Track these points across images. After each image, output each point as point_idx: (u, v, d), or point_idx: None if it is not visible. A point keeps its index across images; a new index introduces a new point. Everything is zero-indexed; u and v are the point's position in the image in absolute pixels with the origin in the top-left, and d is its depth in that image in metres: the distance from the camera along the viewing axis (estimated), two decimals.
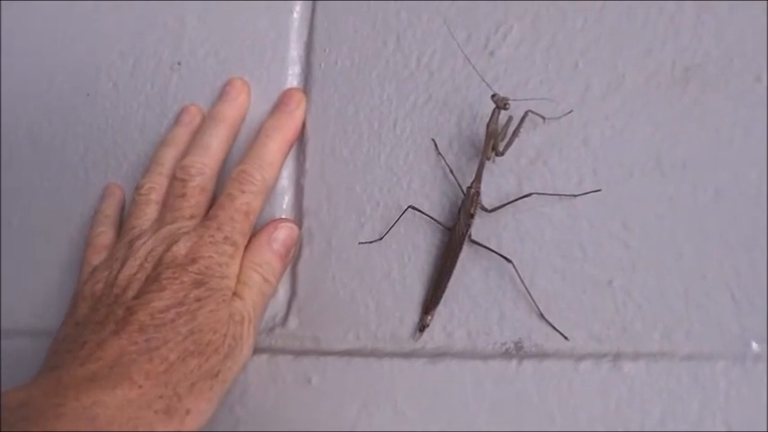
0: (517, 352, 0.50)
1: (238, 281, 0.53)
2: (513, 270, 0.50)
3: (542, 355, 0.49)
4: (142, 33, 0.66)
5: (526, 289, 0.49)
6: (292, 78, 0.60)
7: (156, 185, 0.57)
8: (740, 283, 0.46)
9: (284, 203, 0.58)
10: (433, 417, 0.50)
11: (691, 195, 0.48)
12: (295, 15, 0.62)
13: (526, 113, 0.51)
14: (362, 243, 0.55)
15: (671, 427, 0.45)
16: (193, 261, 0.50)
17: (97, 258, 0.56)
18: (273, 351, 0.55)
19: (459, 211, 0.52)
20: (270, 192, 0.57)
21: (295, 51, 0.61)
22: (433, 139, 0.55)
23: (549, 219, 0.51)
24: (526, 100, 0.51)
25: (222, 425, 0.53)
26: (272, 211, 0.58)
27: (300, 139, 0.59)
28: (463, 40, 0.55)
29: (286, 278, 0.57)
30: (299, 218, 0.58)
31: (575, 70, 0.52)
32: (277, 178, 0.58)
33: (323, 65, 0.60)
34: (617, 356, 0.48)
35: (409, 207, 0.54)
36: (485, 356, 0.50)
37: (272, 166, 0.56)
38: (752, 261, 0.46)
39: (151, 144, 0.63)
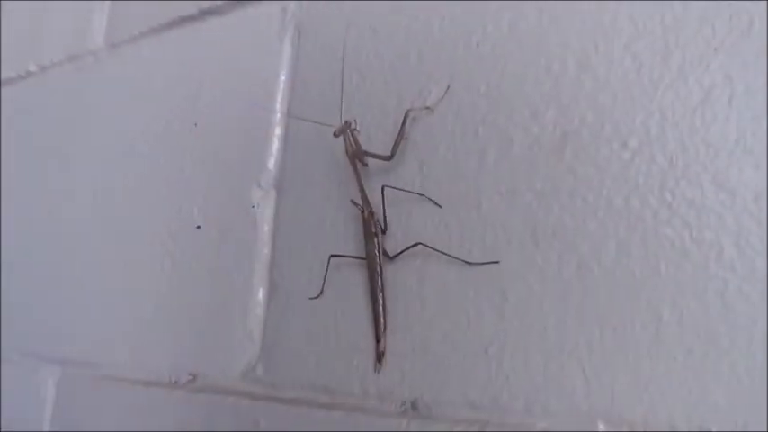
0: (413, 411, 0.65)
1: None
2: None
3: (428, 418, 0.63)
4: None
5: None
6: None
7: None
8: (591, 360, 0.56)
9: (264, 253, 0.78)
10: None
11: (557, 267, 0.58)
12: None
13: (407, 114, 0.62)
14: (312, 298, 0.73)
15: None
16: None
17: None
18: (239, 395, 0.76)
19: (364, 238, 0.64)
20: None
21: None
22: (352, 200, 0.67)
23: (444, 283, 0.64)
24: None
25: None
26: (251, 259, 0.79)
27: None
28: (395, 101, 0.70)
29: (259, 326, 0.77)
30: (270, 271, 0.77)
31: (475, 135, 0.65)
32: None
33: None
34: (485, 424, 0.60)
35: (331, 256, 0.66)
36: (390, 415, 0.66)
37: None
38: (602, 338, 0.56)
39: None
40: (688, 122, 0.52)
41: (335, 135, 0.62)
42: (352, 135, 0.63)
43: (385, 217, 0.63)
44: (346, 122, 0.63)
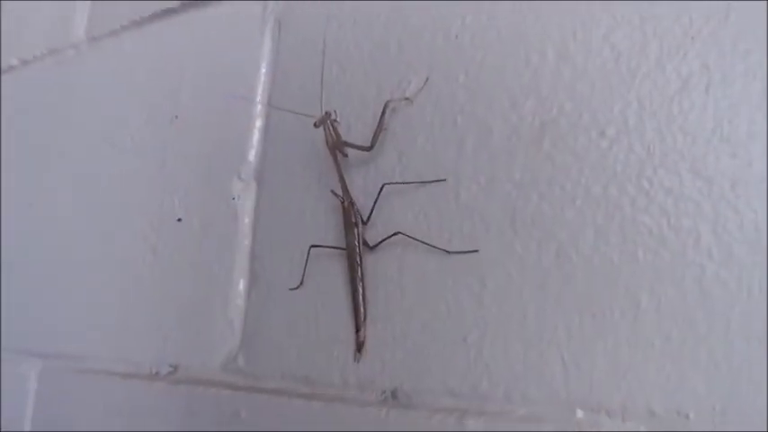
0: (393, 400, 0.64)
1: None
2: None
3: (408, 407, 0.63)
4: None
5: None
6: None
7: None
8: (570, 347, 0.55)
9: (245, 245, 0.78)
10: None
11: (536, 254, 0.57)
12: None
13: (386, 104, 0.62)
14: (292, 289, 0.72)
15: None
16: None
17: None
18: (220, 386, 0.75)
19: (344, 228, 0.64)
20: None
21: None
22: (332, 191, 0.67)
23: (423, 272, 0.64)
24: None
25: None
26: (232, 251, 0.78)
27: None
28: (375, 92, 0.70)
29: (240, 317, 0.76)
30: (251, 262, 0.77)
31: (454, 124, 0.64)
32: None
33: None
34: (464, 412, 0.60)
35: (311, 246, 0.66)
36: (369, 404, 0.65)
37: None
38: (581, 325, 0.56)
39: None
40: (665, 111, 0.52)
41: (316, 125, 0.62)
42: (332, 126, 0.63)
43: (372, 210, 0.63)
44: (326, 113, 0.63)
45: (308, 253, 0.65)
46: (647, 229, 0.52)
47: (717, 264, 0.49)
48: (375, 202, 0.62)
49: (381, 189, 0.62)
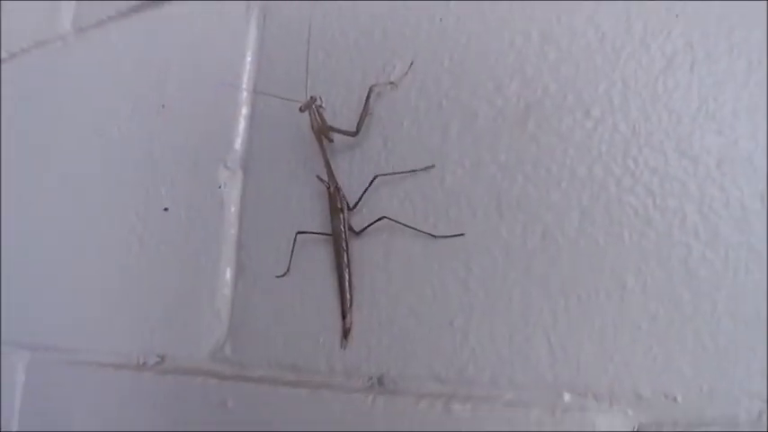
0: (380, 386, 0.63)
1: None
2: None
3: (394, 393, 0.62)
4: None
5: None
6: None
7: None
8: (556, 330, 0.54)
9: (231, 234, 0.76)
10: None
11: (521, 237, 0.56)
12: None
13: (371, 89, 0.61)
14: (278, 276, 0.71)
15: None
16: None
17: None
18: (207, 375, 0.74)
19: (330, 214, 0.63)
20: None
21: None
22: (318, 176, 0.66)
23: (409, 257, 0.63)
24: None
25: None
26: (219, 240, 0.77)
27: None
28: (360, 77, 0.69)
29: (227, 306, 0.75)
30: (237, 251, 0.76)
31: (439, 108, 0.63)
32: None
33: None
34: (451, 398, 0.59)
35: (297, 233, 0.65)
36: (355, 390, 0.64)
37: None
38: (567, 308, 0.55)
39: None
40: (650, 90, 0.51)
41: (301, 110, 0.61)
42: (317, 111, 0.62)
43: (361, 198, 0.62)
44: (311, 98, 0.62)
45: (295, 240, 0.64)
46: (632, 209, 0.51)
47: (703, 244, 0.48)
48: (365, 191, 0.62)
49: (373, 180, 0.61)
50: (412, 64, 0.60)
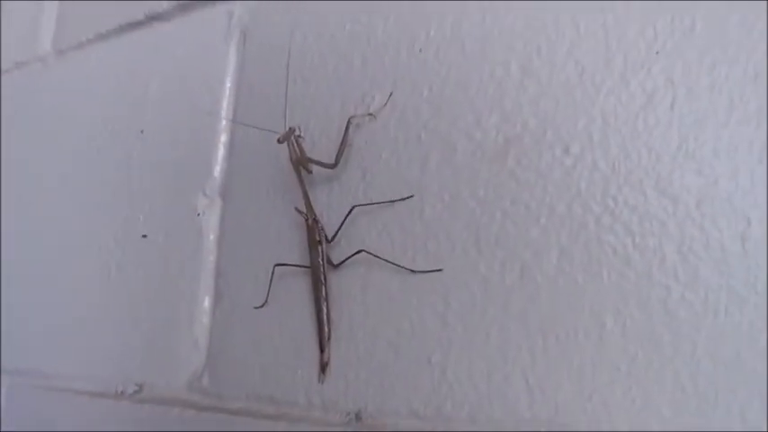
0: (357, 422, 0.62)
1: None
2: None
3: (372, 428, 0.60)
4: None
5: None
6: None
7: None
8: (535, 369, 0.53)
9: (210, 261, 0.75)
10: None
11: (500, 274, 0.55)
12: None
13: (349, 121, 0.60)
14: (256, 307, 0.69)
15: None
16: None
17: None
18: (184, 405, 0.72)
19: (308, 246, 0.62)
20: None
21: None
22: (296, 208, 0.64)
23: (387, 291, 0.61)
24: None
25: None
26: (197, 268, 0.75)
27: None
28: (339, 107, 0.67)
29: (205, 335, 0.74)
30: (216, 279, 0.74)
31: (418, 141, 0.62)
32: None
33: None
34: None
35: (276, 265, 0.63)
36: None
37: None
38: (545, 346, 0.54)
39: None
40: (630, 127, 0.50)
41: (279, 141, 0.60)
42: (296, 141, 0.61)
43: (339, 229, 0.61)
44: (290, 129, 0.61)
45: (273, 271, 0.63)
46: (611, 248, 0.50)
47: (682, 285, 0.47)
48: (342, 223, 0.61)
49: (351, 211, 0.60)
50: (391, 95, 0.59)
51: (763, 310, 0.44)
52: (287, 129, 0.61)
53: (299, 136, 0.61)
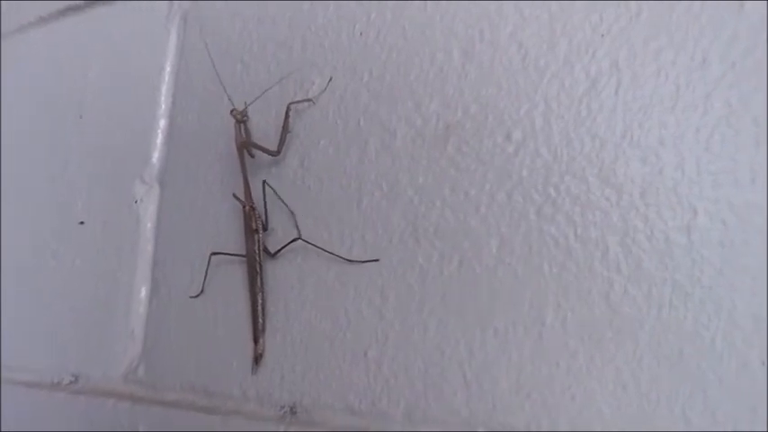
0: (292, 416, 0.56)
1: None
2: None
3: (307, 423, 0.55)
4: None
5: None
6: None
7: None
8: (472, 364, 0.48)
9: (147, 250, 0.69)
10: None
11: (438, 265, 0.51)
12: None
13: (289, 106, 0.55)
14: (192, 297, 0.64)
15: None
16: None
17: None
18: (120, 396, 0.66)
19: (245, 234, 0.57)
20: None
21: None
22: (234, 195, 0.59)
23: (324, 282, 0.56)
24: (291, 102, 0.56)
25: None
26: (134, 257, 0.69)
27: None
28: (278, 92, 0.61)
29: (141, 326, 0.68)
30: (153, 268, 0.68)
31: (357, 127, 0.57)
32: None
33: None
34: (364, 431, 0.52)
35: (212, 254, 0.58)
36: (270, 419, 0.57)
37: None
38: (483, 341, 0.49)
39: None
40: (573, 113, 0.46)
41: (235, 117, 0.56)
42: (244, 124, 0.56)
43: (266, 213, 0.56)
44: (245, 109, 0.57)
45: (209, 260, 0.58)
46: (553, 239, 0.45)
47: (625, 278, 0.43)
48: (264, 202, 0.57)
49: (263, 186, 0.57)
50: (331, 80, 0.54)
51: (708, 305, 0.40)
52: (243, 107, 0.57)
53: (246, 118, 0.55)
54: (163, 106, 0.65)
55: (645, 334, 0.42)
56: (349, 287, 0.52)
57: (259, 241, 0.56)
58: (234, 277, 0.59)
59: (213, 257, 0.58)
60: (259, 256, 0.56)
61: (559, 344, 0.44)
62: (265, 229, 0.55)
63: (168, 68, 0.66)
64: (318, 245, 0.53)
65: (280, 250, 0.55)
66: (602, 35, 0.46)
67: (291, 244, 0.55)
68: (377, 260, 0.52)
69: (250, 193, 0.57)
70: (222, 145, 0.59)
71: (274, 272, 0.56)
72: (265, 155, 0.56)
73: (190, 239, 0.63)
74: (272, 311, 0.56)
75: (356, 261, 0.52)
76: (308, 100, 0.55)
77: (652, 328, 0.42)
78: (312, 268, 0.55)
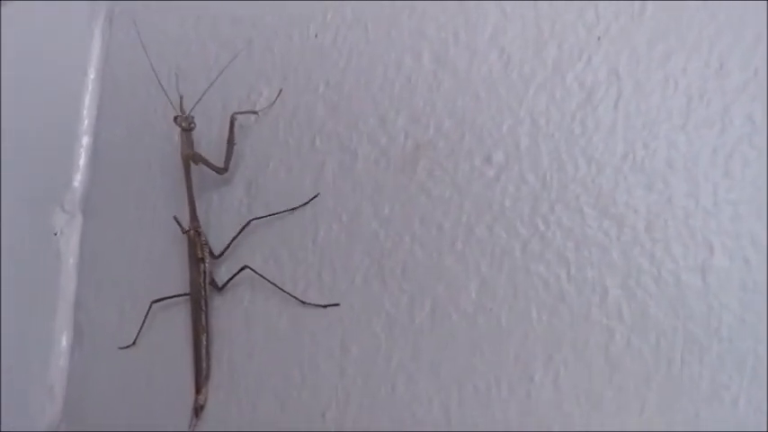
0: None
1: None
2: None
3: None
4: None
5: None
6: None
7: None
8: (450, 425, 0.46)
9: (69, 291, 0.66)
10: None
11: (407, 311, 0.48)
12: None
13: (233, 118, 0.53)
14: (122, 348, 0.61)
15: None
16: None
17: None
18: None
19: (188, 263, 0.55)
20: None
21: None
22: (174, 217, 0.57)
23: (275, 329, 0.53)
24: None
25: None
26: (54, 300, 0.66)
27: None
28: (220, 105, 0.59)
29: (62, 380, 0.65)
30: (76, 311, 0.65)
31: (312, 146, 0.54)
32: None
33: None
34: None
35: (152, 302, 0.56)
36: None
37: None
38: (461, 401, 0.46)
39: None
40: (565, 131, 0.44)
41: (181, 126, 0.54)
42: (190, 133, 0.54)
43: (228, 246, 0.54)
44: (190, 114, 0.54)
45: (149, 309, 0.56)
46: (542, 281, 0.44)
47: (628, 327, 0.41)
48: (236, 236, 0.54)
49: (246, 225, 0.54)
50: (281, 91, 0.51)
51: (728, 361, 0.39)
52: (189, 114, 0.55)
53: (193, 125, 0.54)
54: (86, 120, 0.63)
55: (653, 394, 0.40)
56: (304, 336, 0.50)
57: (205, 272, 0.54)
58: (172, 319, 0.57)
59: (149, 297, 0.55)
60: (204, 290, 0.54)
61: (551, 405, 0.43)
62: (215, 256, 0.54)
63: (92, 75, 0.64)
64: (270, 279, 0.52)
65: (227, 283, 0.54)
66: (599, 37, 0.44)
67: (239, 274, 0.53)
68: (337, 305, 0.50)
69: (196, 214, 0.55)
70: (156, 164, 0.57)
71: (218, 314, 0.53)
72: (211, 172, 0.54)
73: (119, 277, 0.60)
74: (217, 357, 0.54)
75: (313, 305, 0.50)
76: (254, 112, 0.53)
77: (661, 387, 0.40)
78: (261, 312, 0.53)
